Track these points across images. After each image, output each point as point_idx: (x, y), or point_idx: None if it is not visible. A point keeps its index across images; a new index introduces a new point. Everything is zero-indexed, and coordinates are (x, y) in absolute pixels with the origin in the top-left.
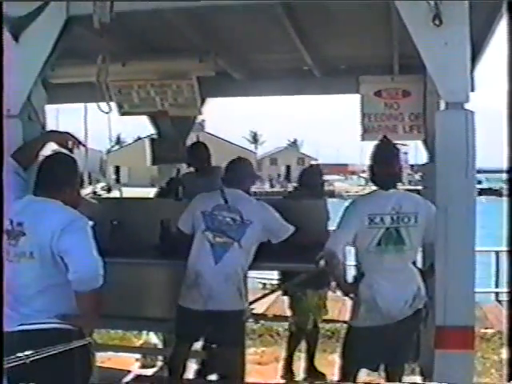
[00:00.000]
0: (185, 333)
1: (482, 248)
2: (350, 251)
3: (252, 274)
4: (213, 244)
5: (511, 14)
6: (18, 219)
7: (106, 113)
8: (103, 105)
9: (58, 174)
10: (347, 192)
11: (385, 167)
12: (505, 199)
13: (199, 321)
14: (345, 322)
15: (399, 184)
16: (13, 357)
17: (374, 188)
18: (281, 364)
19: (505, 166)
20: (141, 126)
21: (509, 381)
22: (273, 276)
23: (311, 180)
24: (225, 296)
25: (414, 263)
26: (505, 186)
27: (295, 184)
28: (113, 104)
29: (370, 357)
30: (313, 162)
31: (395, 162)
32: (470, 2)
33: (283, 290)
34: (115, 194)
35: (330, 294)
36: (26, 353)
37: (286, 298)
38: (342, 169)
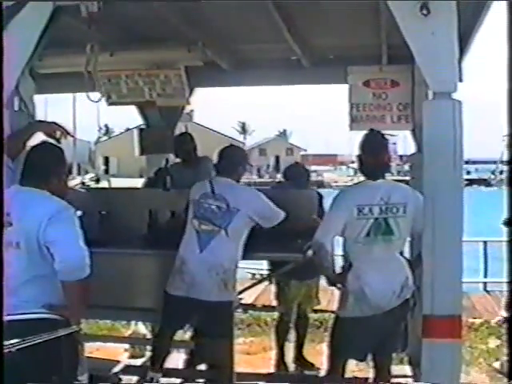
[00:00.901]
0: (168, 319)
1: (470, 238)
2: (338, 242)
3: (241, 263)
4: (199, 232)
5: (511, 12)
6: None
7: (96, 101)
8: (93, 94)
9: (44, 164)
10: (336, 182)
11: (373, 157)
12: (490, 189)
13: (182, 307)
14: (333, 311)
15: (388, 174)
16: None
17: (363, 178)
18: (270, 354)
19: (497, 156)
20: (129, 117)
21: (509, 381)
22: (261, 266)
23: (296, 177)
24: (207, 286)
25: (402, 253)
26: (493, 176)
27: (282, 179)
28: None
29: (358, 347)
30: (302, 153)
31: (384, 152)
32: None
33: (271, 279)
34: (104, 184)
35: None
36: (13, 341)
37: (273, 288)
38: (331, 159)
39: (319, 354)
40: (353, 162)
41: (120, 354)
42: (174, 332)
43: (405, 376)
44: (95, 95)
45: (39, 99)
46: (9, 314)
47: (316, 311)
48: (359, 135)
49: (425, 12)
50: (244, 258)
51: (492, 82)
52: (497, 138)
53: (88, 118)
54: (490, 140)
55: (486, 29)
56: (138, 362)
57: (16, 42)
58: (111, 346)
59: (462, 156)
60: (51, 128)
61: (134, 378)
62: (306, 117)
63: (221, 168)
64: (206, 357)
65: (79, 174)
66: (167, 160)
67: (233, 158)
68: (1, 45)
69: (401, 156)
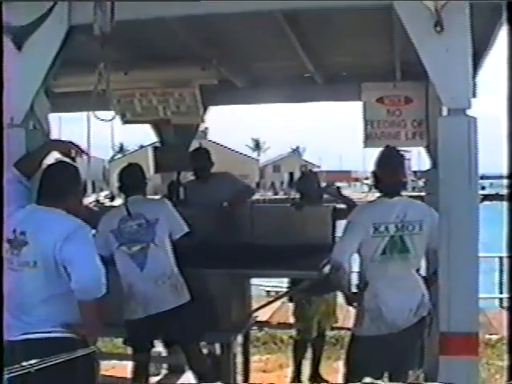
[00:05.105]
0: (136, 343)
1: (486, 254)
2: (355, 260)
3: (256, 281)
4: (131, 254)
5: (511, 16)
6: (20, 228)
7: (108, 120)
8: (101, 113)
9: (60, 183)
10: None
11: (390, 174)
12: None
13: (146, 328)
14: (349, 329)
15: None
16: (17, 366)
17: (378, 195)
18: (285, 371)
19: (505, 171)
20: (144, 135)
21: (509, 381)
22: (277, 283)
23: (308, 187)
24: (160, 296)
25: (418, 271)
26: (505, 192)
27: (297, 194)
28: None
29: (375, 366)
30: (316, 169)
31: (400, 169)
32: (472, 8)
33: (290, 296)
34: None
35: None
36: (30, 362)
37: (291, 305)
38: (345, 176)
39: (335, 372)
40: (367, 179)
41: None
42: (149, 350)
43: None
44: (107, 114)
45: (53, 117)
46: (25, 333)
47: (332, 328)
48: (373, 151)
49: (439, 29)
50: (259, 275)
51: (505, 95)
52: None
53: (102, 136)
54: (502, 154)
55: (501, 43)
56: (154, 379)
57: (32, 62)
58: (127, 364)
59: (477, 172)
60: (66, 147)
61: None
62: (320, 133)
63: (128, 187)
64: (189, 365)
65: (94, 191)
66: (179, 173)
67: (137, 175)
68: (1, 46)
69: (415, 172)
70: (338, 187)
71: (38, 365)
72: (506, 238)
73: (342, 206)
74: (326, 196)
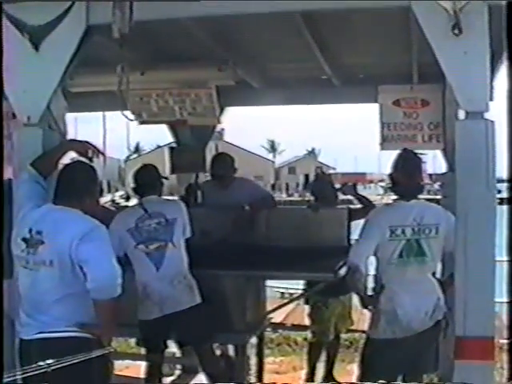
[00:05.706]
0: (151, 344)
1: (502, 258)
2: (372, 263)
3: (270, 283)
4: (148, 253)
5: (511, 16)
6: (37, 227)
7: (132, 120)
8: (127, 113)
9: (77, 183)
10: None
11: (407, 178)
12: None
13: (160, 329)
14: (363, 331)
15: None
16: (34, 365)
17: (394, 197)
18: (299, 373)
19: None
20: (160, 134)
21: (508, 380)
22: (291, 285)
23: (322, 189)
24: (177, 296)
25: (434, 274)
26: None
27: (311, 197)
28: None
29: (389, 369)
30: (331, 171)
31: (418, 172)
32: (490, 10)
33: (305, 298)
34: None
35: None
36: (46, 361)
37: (307, 307)
38: (360, 178)
39: (349, 374)
40: (382, 181)
41: None
42: (162, 350)
43: None
44: (128, 114)
45: (69, 117)
46: (41, 332)
47: (347, 331)
48: (389, 154)
49: (457, 32)
50: (274, 277)
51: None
52: None
53: (118, 136)
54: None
55: None
56: (168, 380)
57: (49, 61)
58: (140, 364)
59: (494, 175)
60: (83, 147)
61: None
62: (336, 135)
63: (143, 188)
64: (201, 366)
65: (109, 191)
66: (197, 175)
67: (152, 176)
68: (0, 45)
69: (430, 175)
70: (354, 185)
71: (52, 365)
72: (506, 241)
73: (358, 206)
74: (342, 196)
